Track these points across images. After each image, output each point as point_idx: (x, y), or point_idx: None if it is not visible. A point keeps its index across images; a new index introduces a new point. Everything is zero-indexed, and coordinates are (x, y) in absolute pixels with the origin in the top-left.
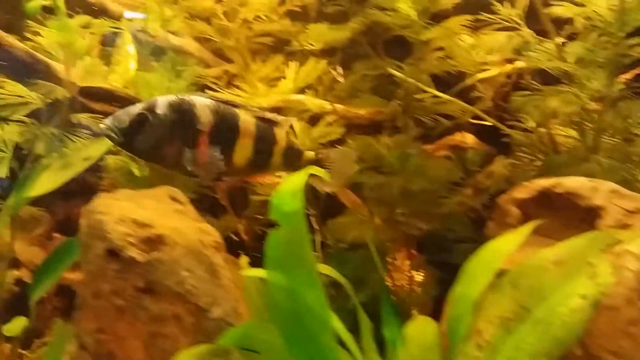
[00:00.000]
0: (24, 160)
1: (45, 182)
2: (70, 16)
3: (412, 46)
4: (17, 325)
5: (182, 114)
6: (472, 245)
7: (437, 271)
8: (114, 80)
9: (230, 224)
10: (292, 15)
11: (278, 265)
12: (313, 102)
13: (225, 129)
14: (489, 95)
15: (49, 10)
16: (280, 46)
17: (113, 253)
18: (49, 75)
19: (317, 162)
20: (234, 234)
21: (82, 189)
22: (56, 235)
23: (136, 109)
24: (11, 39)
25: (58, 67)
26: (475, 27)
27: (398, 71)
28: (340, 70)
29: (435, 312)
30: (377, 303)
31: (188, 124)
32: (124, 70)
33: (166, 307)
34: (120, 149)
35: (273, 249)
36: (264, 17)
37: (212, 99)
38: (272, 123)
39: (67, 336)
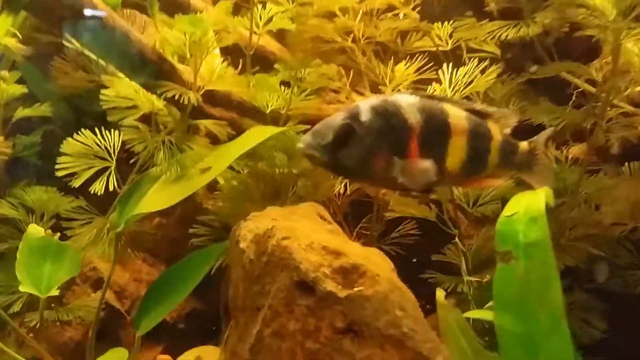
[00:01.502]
0: (127, 169)
1: (157, 198)
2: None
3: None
4: (115, 358)
5: (389, 118)
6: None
7: (598, 301)
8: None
9: None
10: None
11: (512, 306)
12: None
13: (435, 130)
14: None
15: (128, 4)
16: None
17: (305, 286)
18: (173, 76)
19: (531, 153)
20: None
21: None
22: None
23: (337, 119)
24: (139, 35)
25: (182, 68)
26: None
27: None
28: None
29: (604, 346)
30: None
31: (397, 130)
32: (209, 71)
33: (375, 353)
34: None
35: (504, 287)
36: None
37: (416, 96)
38: (484, 115)
39: None
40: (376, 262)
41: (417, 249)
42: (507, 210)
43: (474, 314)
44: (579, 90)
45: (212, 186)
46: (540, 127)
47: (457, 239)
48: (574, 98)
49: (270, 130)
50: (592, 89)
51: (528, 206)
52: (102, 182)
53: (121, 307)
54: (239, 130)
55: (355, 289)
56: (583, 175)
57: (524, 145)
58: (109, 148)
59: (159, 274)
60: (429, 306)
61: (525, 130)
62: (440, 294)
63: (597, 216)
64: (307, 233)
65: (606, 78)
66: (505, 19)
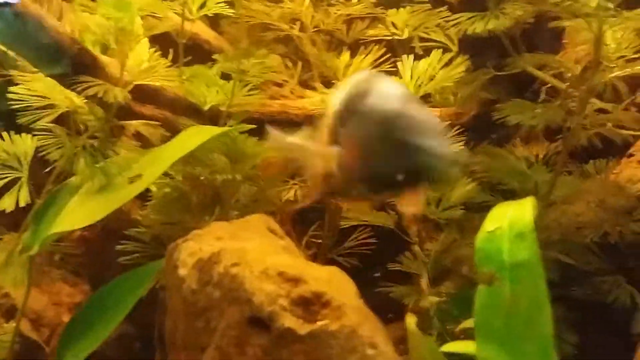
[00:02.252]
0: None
1: (78, 213)
2: None
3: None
4: None
5: None
6: (611, 278)
7: (566, 311)
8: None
9: None
10: None
11: (496, 336)
12: None
13: None
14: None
15: None
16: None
17: (259, 322)
18: (96, 70)
19: None
20: None
21: None
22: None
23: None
24: (55, 21)
25: (106, 60)
26: None
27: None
28: None
29: None
30: None
31: None
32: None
33: None
34: None
35: (487, 314)
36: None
37: None
38: None
39: None
40: (340, 286)
41: (370, 256)
42: (489, 224)
43: (452, 347)
44: (547, 85)
45: (141, 193)
46: (500, 124)
47: (417, 247)
48: (543, 94)
49: (211, 131)
50: (562, 85)
51: (513, 220)
52: (12, 196)
53: (38, 337)
54: (173, 131)
55: (319, 324)
56: (559, 176)
57: None
58: (19, 155)
59: (85, 298)
60: None
61: (484, 125)
62: (411, 320)
63: (565, 220)
64: (260, 256)
65: (585, 72)
66: (464, 10)
